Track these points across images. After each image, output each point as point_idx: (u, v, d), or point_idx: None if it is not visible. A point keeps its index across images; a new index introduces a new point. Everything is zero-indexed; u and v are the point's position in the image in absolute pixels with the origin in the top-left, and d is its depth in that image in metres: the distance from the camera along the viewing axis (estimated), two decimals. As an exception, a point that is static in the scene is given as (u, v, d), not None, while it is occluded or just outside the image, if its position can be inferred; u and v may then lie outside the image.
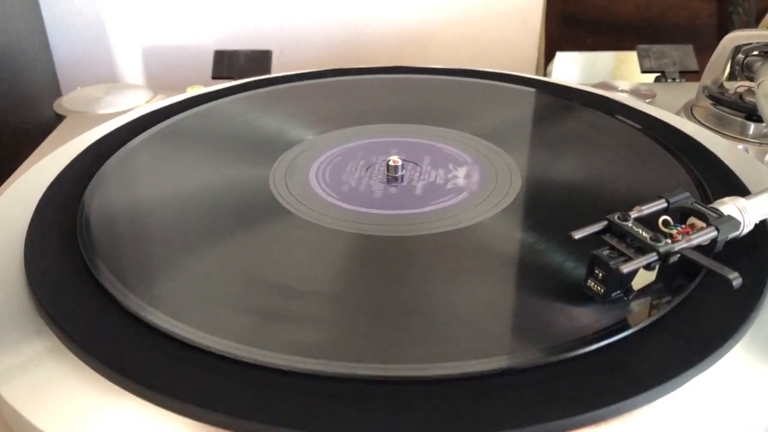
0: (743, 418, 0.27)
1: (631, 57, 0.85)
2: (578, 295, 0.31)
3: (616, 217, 0.31)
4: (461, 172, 0.45)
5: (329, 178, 0.44)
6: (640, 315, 0.30)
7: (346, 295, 0.34)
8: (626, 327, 0.29)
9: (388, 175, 0.45)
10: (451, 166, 0.46)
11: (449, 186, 0.43)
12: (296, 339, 0.30)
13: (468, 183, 0.44)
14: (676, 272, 0.32)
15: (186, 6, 0.86)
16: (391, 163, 0.45)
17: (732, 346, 0.29)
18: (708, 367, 0.28)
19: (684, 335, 0.29)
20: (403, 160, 0.45)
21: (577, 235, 0.31)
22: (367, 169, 0.46)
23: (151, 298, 0.32)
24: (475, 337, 0.30)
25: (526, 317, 0.32)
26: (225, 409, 0.25)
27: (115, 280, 0.33)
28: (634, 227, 0.31)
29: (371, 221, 0.40)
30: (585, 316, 0.30)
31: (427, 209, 0.41)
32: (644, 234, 0.30)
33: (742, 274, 0.29)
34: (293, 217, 0.40)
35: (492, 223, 0.39)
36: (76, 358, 0.29)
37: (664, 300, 0.31)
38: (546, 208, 0.42)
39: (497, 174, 0.45)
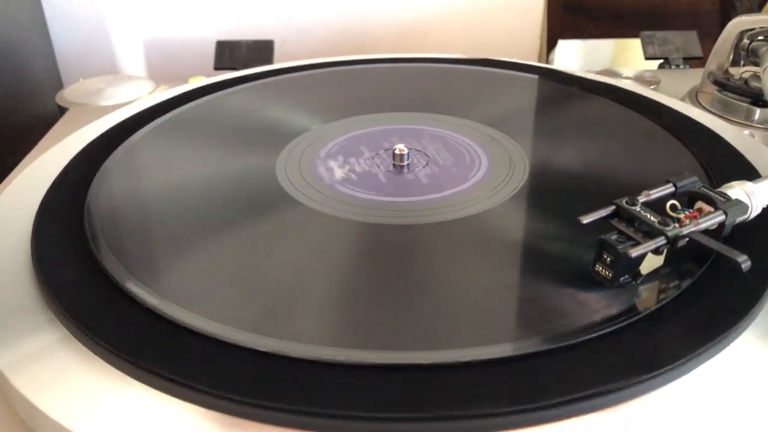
0: (755, 402, 0.27)
1: (632, 44, 0.85)
2: (587, 280, 0.31)
3: (623, 201, 0.31)
4: (467, 159, 0.45)
5: (335, 166, 0.44)
6: (649, 299, 0.30)
7: (354, 283, 0.34)
8: (636, 312, 0.29)
9: (394, 164, 0.45)
10: (456, 154, 0.46)
11: (455, 173, 0.43)
12: (305, 327, 0.30)
13: (474, 170, 0.44)
14: (687, 258, 0.32)
15: (186, -4, 0.86)
16: (396, 151, 0.44)
17: (743, 330, 0.29)
18: (719, 351, 0.28)
19: (694, 319, 0.29)
20: (409, 149, 0.45)
21: (585, 219, 0.31)
22: (373, 157, 0.46)
23: (160, 287, 0.32)
24: (485, 324, 0.30)
25: (535, 303, 0.32)
26: (235, 396, 0.25)
27: (122, 271, 0.33)
28: (642, 212, 0.31)
29: (378, 209, 0.39)
30: (595, 302, 0.30)
31: (433, 197, 0.41)
32: (652, 218, 0.30)
33: (751, 258, 0.29)
34: (300, 206, 0.40)
35: (500, 210, 0.39)
36: (85, 348, 0.29)
37: (673, 284, 0.31)
38: (553, 194, 0.42)
39: (504, 161, 0.45)
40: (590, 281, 0.31)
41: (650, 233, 0.30)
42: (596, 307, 0.30)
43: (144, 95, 0.66)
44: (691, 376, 0.27)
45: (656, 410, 0.26)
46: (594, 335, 0.28)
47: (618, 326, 0.29)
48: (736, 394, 0.27)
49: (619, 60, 0.97)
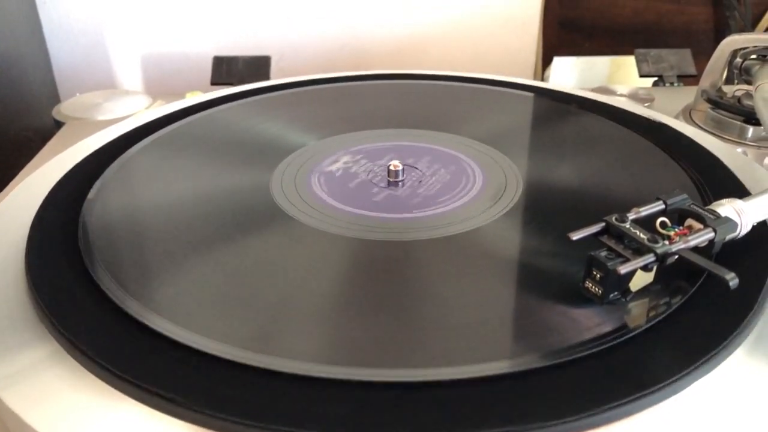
0: (747, 422, 0.27)
1: (627, 62, 0.86)
2: (579, 298, 0.31)
3: (613, 218, 0.31)
4: (462, 176, 0.45)
5: (330, 182, 0.45)
6: (641, 318, 0.30)
7: (348, 300, 0.34)
8: (627, 330, 0.29)
9: (389, 180, 0.45)
10: (452, 170, 0.46)
11: (450, 190, 0.44)
12: (299, 344, 0.30)
13: (469, 187, 0.44)
14: (679, 275, 0.32)
15: (185, 12, 0.86)
16: (391, 167, 0.45)
17: (735, 349, 0.29)
18: (711, 370, 0.28)
19: (686, 338, 0.29)
20: (404, 165, 0.45)
21: (575, 236, 0.31)
22: (368, 173, 0.46)
23: (153, 303, 0.32)
24: (476, 342, 0.30)
25: (524, 321, 0.32)
26: (228, 413, 0.25)
27: (116, 286, 0.33)
28: (631, 228, 0.31)
29: (372, 226, 0.40)
30: (586, 319, 0.30)
31: (428, 213, 0.41)
32: (641, 235, 0.30)
33: (745, 276, 0.29)
34: (294, 222, 0.40)
35: (493, 227, 0.39)
36: (77, 364, 0.29)
37: (665, 302, 0.31)
38: (547, 211, 0.42)
39: (498, 178, 0.45)
40: (581, 298, 0.31)
41: (639, 250, 0.30)
42: (587, 325, 0.30)
43: (141, 110, 0.66)
44: (684, 395, 0.27)
45: (648, 430, 0.26)
46: (583, 354, 0.28)
47: (608, 345, 0.29)
48: (730, 412, 0.27)
49: (615, 77, 0.98)
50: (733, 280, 0.28)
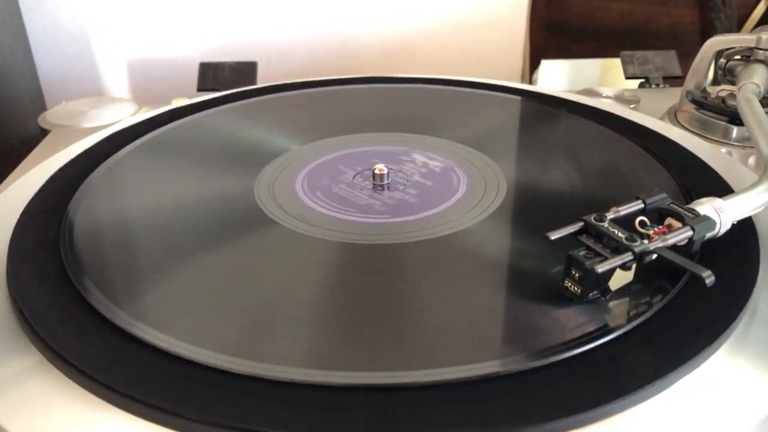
0: (729, 420, 0.27)
1: (616, 64, 0.86)
2: (561, 299, 0.31)
3: (592, 217, 0.31)
4: (447, 179, 0.45)
5: (315, 187, 0.45)
6: (621, 318, 0.30)
7: (333, 305, 0.34)
8: (609, 331, 0.29)
9: (374, 184, 0.45)
10: (436, 174, 0.46)
11: (435, 193, 0.44)
12: (285, 349, 0.30)
13: (454, 190, 0.44)
14: (662, 275, 0.32)
15: (171, 19, 0.86)
16: (376, 171, 0.45)
17: (716, 349, 0.29)
18: (693, 369, 0.28)
19: (668, 337, 0.29)
20: (389, 169, 0.45)
21: (553, 235, 0.31)
22: (353, 177, 0.46)
23: (137, 311, 0.32)
24: (457, 344, 0.30)
25: (507, 323, 0.32)
26: (214, 421, 0.25)
27: (99, 294, 0.33)
28: (609, 228, 0.31)
29: (358, 230, 0.40)
30: (567, 320, 0.30)
31: (413, 217, 0.41)
32: (620, 234, 0.30)
33: (729, 275, 0.29)
34: (279, 227, 0.40)
35: (477, 229, 0.39)
36: (60, 374, 0.29)
37: (646, 302, 0.31)
38: (531, 214, 0.42)
39: (483, 181, 0.45)
40: (564, 300, 0.31)
41: (618, 249, 0.30)
42: (570, 326, 0.30)
43: (127, 117, 0.66)
44: (664, 396, 0.27)
45: (628, 430, 0.26)
46: (567, 355, 0.28)
47: (588, 345, 0.29)
48: (710, 412, 0.27)
49: (603, 79, 0.98)
50: (709, 278, 0.28)
